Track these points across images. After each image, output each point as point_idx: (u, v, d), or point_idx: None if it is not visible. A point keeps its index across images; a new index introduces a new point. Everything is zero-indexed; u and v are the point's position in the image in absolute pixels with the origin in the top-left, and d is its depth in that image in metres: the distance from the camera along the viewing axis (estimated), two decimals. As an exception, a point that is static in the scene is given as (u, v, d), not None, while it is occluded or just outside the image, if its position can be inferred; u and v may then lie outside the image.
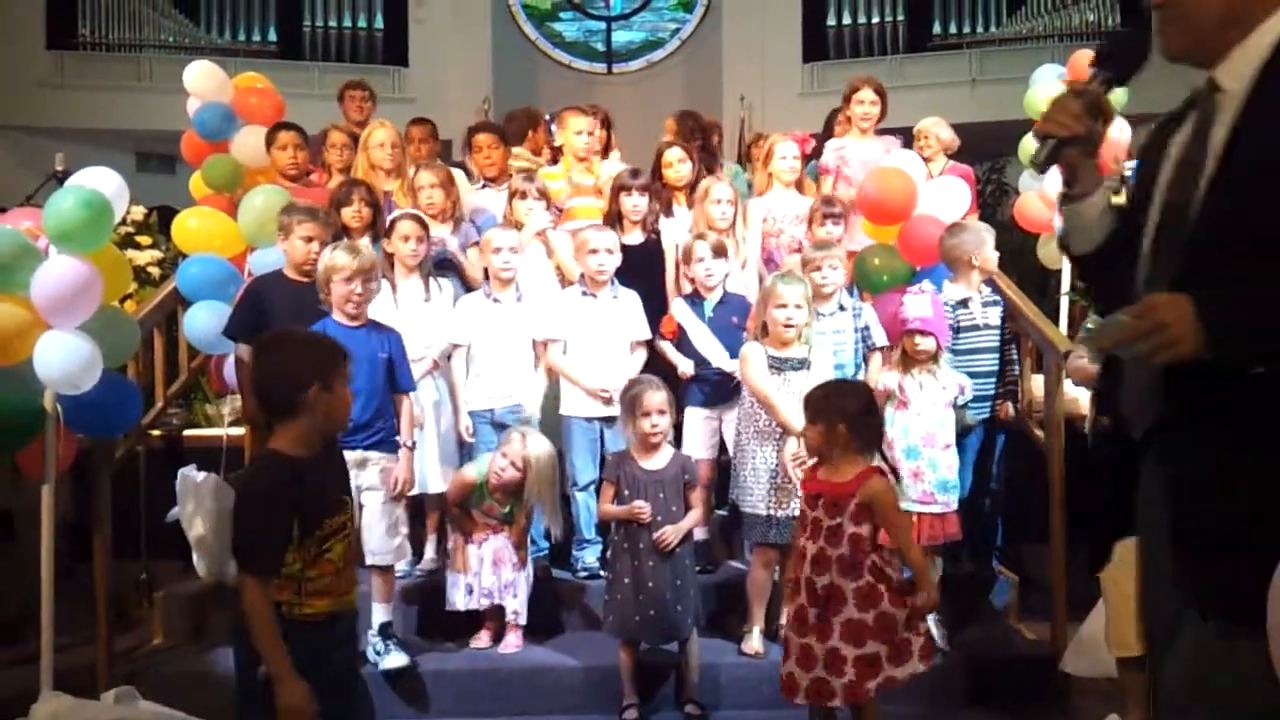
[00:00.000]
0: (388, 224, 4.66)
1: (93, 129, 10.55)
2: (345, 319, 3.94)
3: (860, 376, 4.46)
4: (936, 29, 10.68)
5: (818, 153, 6.53)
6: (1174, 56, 1.80)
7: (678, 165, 5.39)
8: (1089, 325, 1.76)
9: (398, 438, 3.99)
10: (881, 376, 4.37)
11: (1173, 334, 1.58)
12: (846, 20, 10.88)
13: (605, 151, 5.78)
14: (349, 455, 3.30)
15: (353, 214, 4.80)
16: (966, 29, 10.65)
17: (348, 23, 11.24)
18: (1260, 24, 1.70)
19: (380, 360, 3.93)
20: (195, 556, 3.33)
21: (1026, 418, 4.66)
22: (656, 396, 3.89)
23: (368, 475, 3.88)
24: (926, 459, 4.21)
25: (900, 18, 10.74)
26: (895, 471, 3.82)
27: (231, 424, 5.21)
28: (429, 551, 4.65)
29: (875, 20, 10.82)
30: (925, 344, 4.26)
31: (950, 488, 4.23)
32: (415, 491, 4.23)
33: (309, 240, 4.31)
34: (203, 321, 4.68)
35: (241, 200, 5.06)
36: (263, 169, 5.62)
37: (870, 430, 3.43)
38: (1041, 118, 1.93)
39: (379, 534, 3.92)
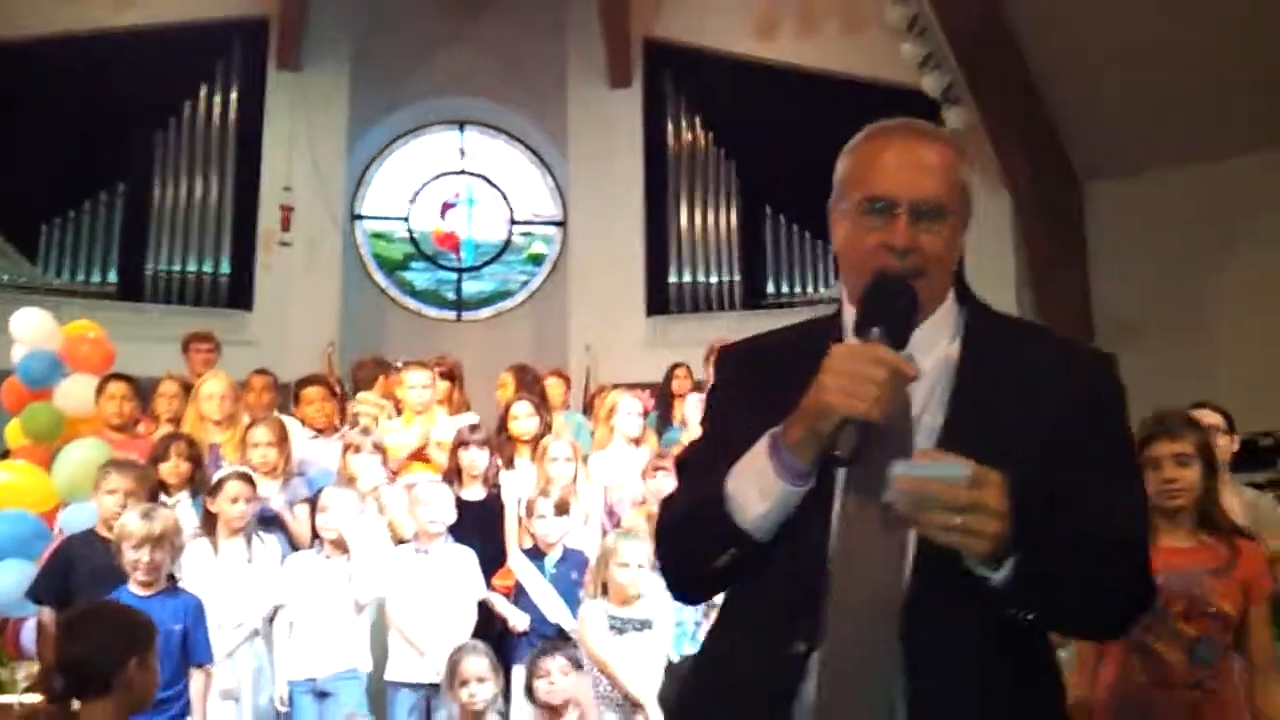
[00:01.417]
0: (214, 482, 4.51)
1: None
2: (138, 587, 3.73)
3: (703, 633, 4.41)
4: (770, 288, 11.34)
5: (658, 405, 6.75)
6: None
7: (524, 419, 5.44)
8: (915, 467, 1.37)
9: (189, 718, 3.69)
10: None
11: (988, 514, 1.34)
12: (687, 278, 11.49)
13: (458, 407, 5.78)
14: (135, 736, 3.05)
15: (170, 469, 4.66)
16: (798, 289, 11.32)
17: (192, 267, 11.13)
18: (944, 299, 1.62)
19: (174, 633, 3.68)
20: None
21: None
22: (477, 664, 3.76)
23: None
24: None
25: (736, 278, 11.39)
26: None
27: (25, 691, 4.80)
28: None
29: (714, 280, 11.43)
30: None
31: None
32: (225, 773, 3.90)
33: (119, 494, 4.16)
34: (5, 582, 4.37)
35: (59, 452, 4.85)
36: (86, 419, 5.41)
37: None
38: (834, 392, 1.42)
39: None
